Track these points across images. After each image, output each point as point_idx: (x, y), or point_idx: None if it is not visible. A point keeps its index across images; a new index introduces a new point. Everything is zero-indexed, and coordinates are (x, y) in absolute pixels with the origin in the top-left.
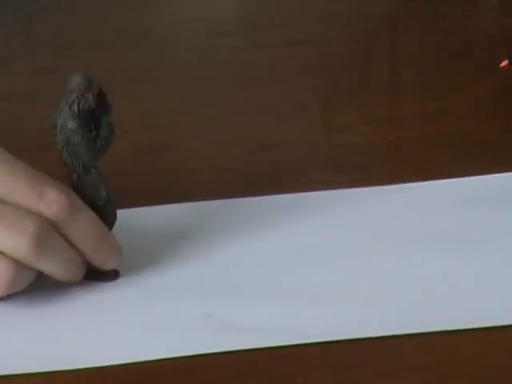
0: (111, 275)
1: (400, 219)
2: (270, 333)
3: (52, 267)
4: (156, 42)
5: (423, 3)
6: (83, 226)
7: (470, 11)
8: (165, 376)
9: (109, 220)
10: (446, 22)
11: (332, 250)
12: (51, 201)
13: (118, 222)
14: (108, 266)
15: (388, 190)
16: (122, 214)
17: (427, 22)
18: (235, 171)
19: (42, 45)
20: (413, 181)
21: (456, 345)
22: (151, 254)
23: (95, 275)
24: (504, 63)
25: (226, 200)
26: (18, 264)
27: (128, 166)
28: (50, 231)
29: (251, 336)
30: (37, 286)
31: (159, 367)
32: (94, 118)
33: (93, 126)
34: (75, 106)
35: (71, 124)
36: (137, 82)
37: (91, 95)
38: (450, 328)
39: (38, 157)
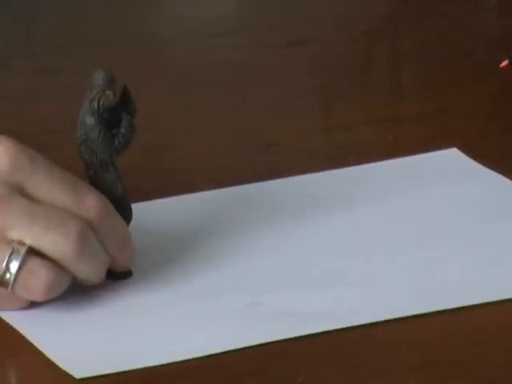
0: (126, 274)
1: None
2: (322, 318)
3: (88, 269)
4: (156, 42)
5: (423, 3)
6: (114, 230)
7: (470, 11)
8: (165, 377)
9: (124, 218)
10: (446, 22)
11: (364, 231)
12: (90, 206)
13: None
14: (128, 266)
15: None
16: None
17: (427, 22)
18: (235, 171)
19: (42, 45)
20: None
21: (456, 345)
22: (172, 249)
23: (110, 274)
24: (504, 63)
25: (239, 187)
26: (57, 268)
27: (128, 165)
28: (90, 233)
29: (303, 322)
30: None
31: (158, 369)
32: (117, 116)
33: (114, 124)
34: (95, 103)
35: (90, 120)
36: (137, 82)
37: (112, 92)
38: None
39: None
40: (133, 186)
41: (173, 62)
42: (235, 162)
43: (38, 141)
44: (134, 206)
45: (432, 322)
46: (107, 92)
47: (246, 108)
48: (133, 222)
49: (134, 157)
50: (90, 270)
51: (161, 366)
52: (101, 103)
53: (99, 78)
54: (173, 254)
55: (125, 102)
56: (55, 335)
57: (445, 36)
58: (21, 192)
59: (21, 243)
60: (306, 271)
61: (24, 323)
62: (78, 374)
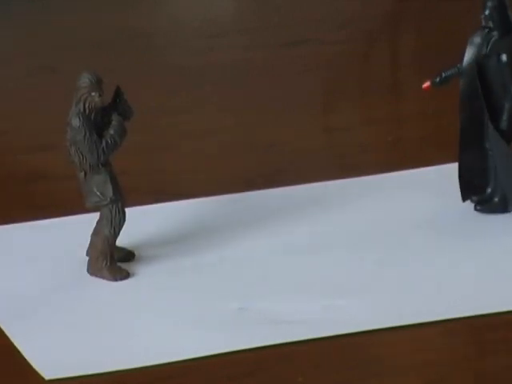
0: (123, 275)
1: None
2: (306, 325)
3: None
4: (156, 42)
5: (423, 3)
6: None
7: (470, 11)
8: (165, 377)
9: (114, 221)
10: (446, 22)
11: (350, 240)
12: None
13: (129, 220)
14: None
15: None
16: (132, 213)
17: (427, 22)
18: (235, 171)
19: (42, 45)
20: None
21: (456, 345)
22: (168, 252)
23: (103, 274)
24: (426, 84)
25: (230, 195)
26: None
27: (128, 165)
28: None
29: (288, 329)
30: (60, 292)
31: (158, 369)
32: (107, 117)
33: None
34: (81, 105)
35: (75, 122)
36: (137, 82)
37: (97, 94)
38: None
39: (38, 157)
40: (132, 186)
41: (173, 62)
42: (235, 161)
43: (38, 141)
44: (128, 210)
45: (431, 322)
46: (93, 93)
47: (246, 108)
48: (126, 226)
49: (134, 157)
50: None
51: (153, 366)
52: (87, 105)
53: (85, 79)
54: (162, 259)
55: (116, 104)
56: (36, 335)
57: (445, 36)
58: None
59: None
60: (292, 280)
61: (7, 322)
62: (47, 375)
